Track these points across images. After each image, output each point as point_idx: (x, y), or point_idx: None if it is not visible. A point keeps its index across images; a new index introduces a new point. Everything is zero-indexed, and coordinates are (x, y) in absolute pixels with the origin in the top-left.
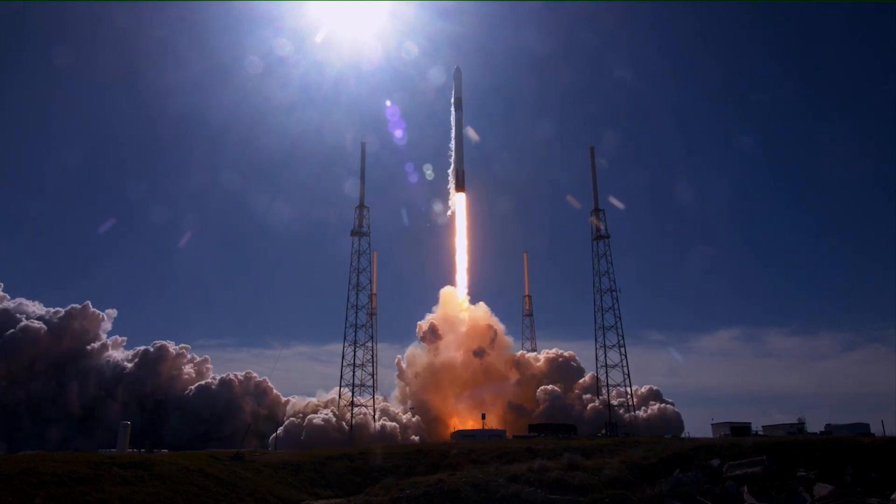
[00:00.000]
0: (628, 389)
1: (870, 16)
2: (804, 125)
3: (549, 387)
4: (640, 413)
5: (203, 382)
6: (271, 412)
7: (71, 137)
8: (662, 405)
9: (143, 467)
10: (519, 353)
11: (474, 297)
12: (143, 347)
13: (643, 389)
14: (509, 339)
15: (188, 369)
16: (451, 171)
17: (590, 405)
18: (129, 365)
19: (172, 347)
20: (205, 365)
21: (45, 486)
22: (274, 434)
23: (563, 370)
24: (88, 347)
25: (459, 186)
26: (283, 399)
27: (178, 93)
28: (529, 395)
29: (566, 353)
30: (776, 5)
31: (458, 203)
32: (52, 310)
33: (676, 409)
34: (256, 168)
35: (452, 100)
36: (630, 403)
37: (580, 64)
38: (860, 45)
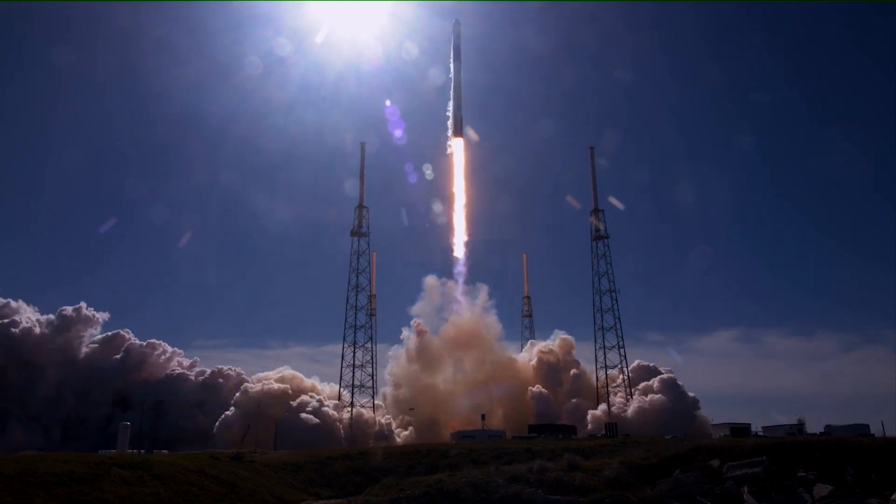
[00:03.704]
0: (628, 387)
1: (870, 16)
2: (804, 126)
3: (537, 389)
4: (644, 400)
5: (175, 373)
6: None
7: (71, 137)
8: (668, 378)
9: (143, 467)
10: (509, 356)
11: (473, 294)
12: (112, 332)
13: (634, 363)
14: (500, 328)
15: (172, 366)
16: (449, 116)
17: (574, 400)
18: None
19: (162, 346)
20: (185, 362)
21: (45, 486)
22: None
23: (552, 370)
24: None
25: (457, 131)
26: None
27: (178, 93)
28: (524, 395)
29: (555, 347)
30: (776, 5)
31: (456, 148)
32: (43, 318)
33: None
34: (256, 168)
35: (451, 51)
36: (627, 391)
37: (580, 64)
38: (860, 45)
